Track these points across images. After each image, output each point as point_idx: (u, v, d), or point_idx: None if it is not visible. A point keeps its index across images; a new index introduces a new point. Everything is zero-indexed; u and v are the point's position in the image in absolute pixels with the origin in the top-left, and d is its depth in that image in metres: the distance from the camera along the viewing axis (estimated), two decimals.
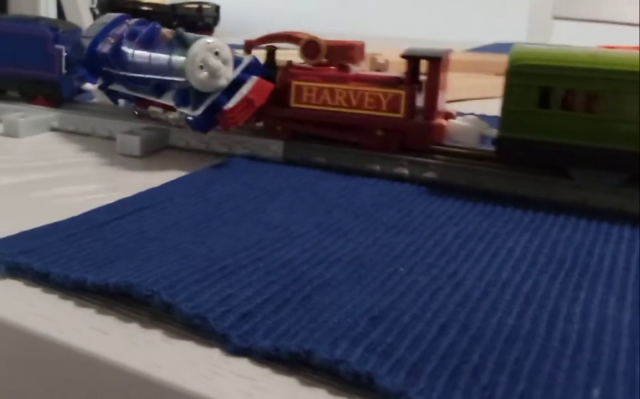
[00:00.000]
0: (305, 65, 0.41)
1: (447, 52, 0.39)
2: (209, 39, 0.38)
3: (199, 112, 0.38)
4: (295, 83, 0.40)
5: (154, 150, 0.43)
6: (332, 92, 0.39)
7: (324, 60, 0.40)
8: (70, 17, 0.80)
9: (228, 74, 0.38)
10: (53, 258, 0.26)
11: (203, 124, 0.39)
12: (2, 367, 0.23)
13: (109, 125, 0.46)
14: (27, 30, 0.49)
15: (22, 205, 0.33)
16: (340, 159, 0.39)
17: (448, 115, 0.40)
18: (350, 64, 0.40)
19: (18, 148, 0.44)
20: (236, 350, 0.20)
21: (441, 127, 0.38)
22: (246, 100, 0.38)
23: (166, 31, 0.43)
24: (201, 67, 0.37)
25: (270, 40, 0.42)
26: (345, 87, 0.39)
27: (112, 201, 0.33)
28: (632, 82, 0.32)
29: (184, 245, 0.27)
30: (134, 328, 0.22)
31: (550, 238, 0.30)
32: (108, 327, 0.21)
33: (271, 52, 0.42)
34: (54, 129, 0.49)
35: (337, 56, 0.40)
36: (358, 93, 0.38)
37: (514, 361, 0.20)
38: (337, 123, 0.39)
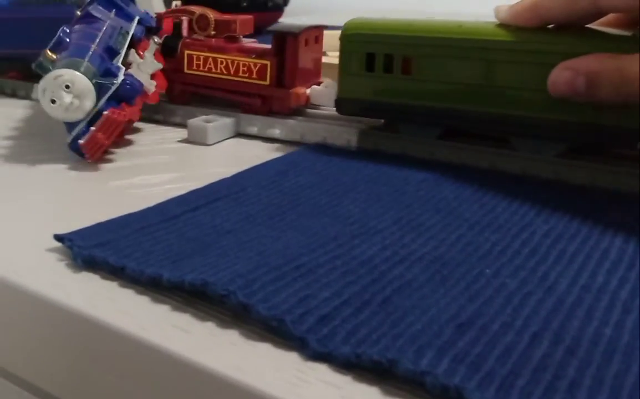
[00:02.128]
0: (199, 37, 0.47)
1: (310, 28, 0.44)
2: (59, 72, 0.37)
3: (68, 140, 0.38)
4: (187, 52, 0.47)
5: (225, 138, 0.44)
6: (215, 60, 0.46)
7: (213, 32, 0.47)
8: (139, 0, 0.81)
9: (85, 107, 0.37)
10: (128, 251, 0.26)
11: (77, 150, 0.38)
12: (84, 363, 0.23)
13: (179, 111, 0.47)
14: (55, 14, 0.50)
15: (101, 194, 0.34)
16: (416, 149, 0.39)
17: (317, 83, 0.46)
18: (238, 36, 0.47)
19: None
20: (315, 355, 0.20)
21: (300, 95, 0.44)
22: (94, 139, 0.37)
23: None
24: (53, 102, 0.37)
25: (175, 13, 0.49)
26: (225, 56, 0.45)
27: (185, 191, 0.33)
28: (437, 46, 0.37)
29: (258, 239, 0.27)
30: (213, 326, 0.22)
31: None
32: (188, 325, 0.22)
33: (177, 25, 0.48)
34: None
35: (224, 29, 0.47)
36: (235, 62, 0.45)
37: (613, 377, 0.19)
38: (219, 87, 0.46)
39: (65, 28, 0.41)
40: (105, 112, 0.37)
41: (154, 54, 0.44)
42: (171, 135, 0.45)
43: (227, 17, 0.47)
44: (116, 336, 0.22)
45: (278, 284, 0.23)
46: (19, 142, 0.43)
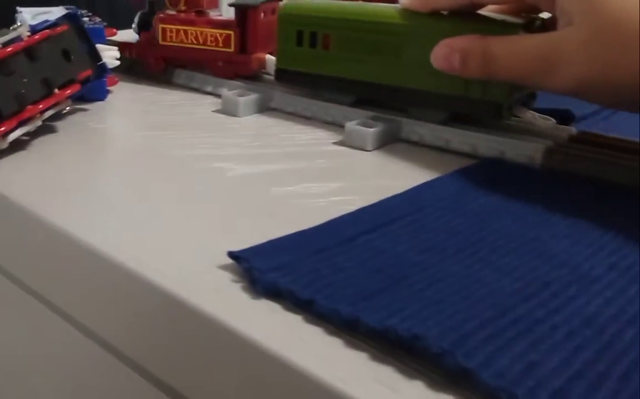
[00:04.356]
0: (171, 12, 0.55)
1: (267, 2, 0.52)
2: None
3: None
4: (161, 25, 0.54)
5: (385, 143, 0.42)
6: (185, 32, 0.54)
7: (183, 7, 0.55)
8: None
9: None
10: (308, 279, 0.25)
11: None
12: None
13: (332, 110, 0.46)
14: None
15: (265, 202, 0.33)
16: (612, 173, 0.35)
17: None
18: (206, 10, 0.56)
19: (241, 130, 0.45)
20: None
21: (261, 59, 0.53)
22: None
23: None
24: None
25: None
26: (194, 28, 0.53)
27: (352, 205, 0.32)
28: (348, 27, 0.44)
29: (455, 278, 0.25)
30: (424, 388, 0.20)
31: None
32: (395, 382, 0.20)
33: (151, 3, 0.57)
34: (270, 109, 0.49)
35: (193, 4, 0.55)
36: (203, 33, 0.53)
37: None
38: (191, 56, 0.54)
39: None
40: None
41: None
42: (323, 135, 0.44)
43: None
44: (311, 384, 0.20)
45: (497, 343, 0.21)
46: (167, 134, 0.43)
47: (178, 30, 0.54)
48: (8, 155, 0.39)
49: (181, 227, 0.30)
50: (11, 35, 0.41)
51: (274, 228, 0.29)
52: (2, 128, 0.37)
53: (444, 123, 0.41)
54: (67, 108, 0.45)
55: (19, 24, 0.43)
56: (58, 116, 0.45)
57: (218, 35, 0.52)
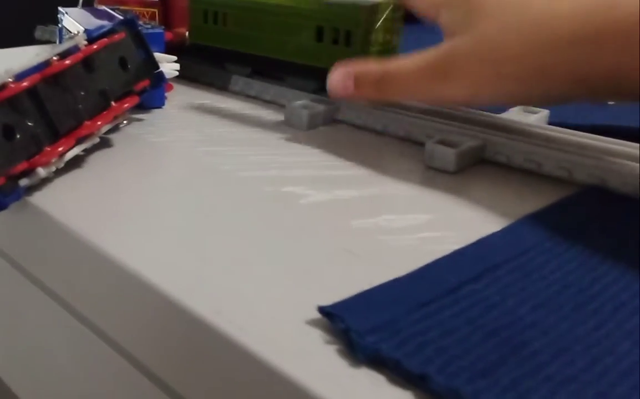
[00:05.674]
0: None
1: None
2: None
3: None
4: (98, 6, 0.57)
5: (469, 165, 0.39)
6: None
7: None
8: None
9: None
10: (416, 344, 0.22)
11: None
12: None
13: (406, 124, 0.43)
14: None
15: (347, 237, 0.30)
16: None
17: None
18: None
19: (308, 146, 0.42)
20: None
21: (181, 33, 0.58)
22: None
23: None
24: None
25: None
26: (125, 7, 0.56)
27: (446, 244, 0.29)
28: (240, 7, 0.52)
29: (580, 347, 0.22)
30: None
31: None
32: None
33: None
34: (336, 121, 0.47)
35: None
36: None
37: None
38: None
39: None
40: None
41: None
42: (398, 153, 0.41)
43: None
44: None
45: None
46: (230, 150, 0.41)
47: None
48: (62, 174, 0.37)
49: (258, 268, 0.28)
50: (67, 44, 0.39)
51: (362, 272, 0.27)
52: (60, 149, 0.35)
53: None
54: (125, 122, 0.43)
55: (76, 31, 0.41)
56: (114, 128, 0.43)
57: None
